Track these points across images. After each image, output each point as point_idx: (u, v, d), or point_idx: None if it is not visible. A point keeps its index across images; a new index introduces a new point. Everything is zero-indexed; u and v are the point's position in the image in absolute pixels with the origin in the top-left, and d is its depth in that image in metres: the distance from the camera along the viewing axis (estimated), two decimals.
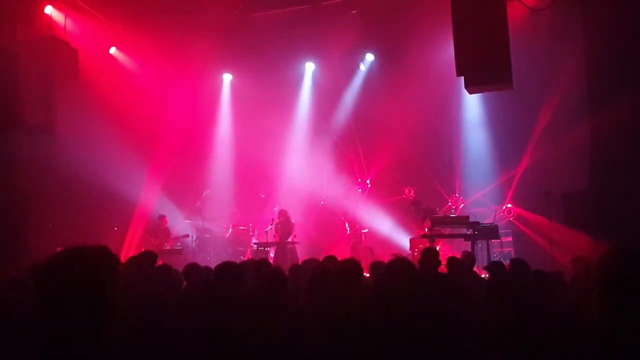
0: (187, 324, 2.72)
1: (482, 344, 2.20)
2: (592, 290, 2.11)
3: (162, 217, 11.93)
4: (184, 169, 13.05)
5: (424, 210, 10.90)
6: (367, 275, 5.29)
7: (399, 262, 3.39)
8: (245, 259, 11.14)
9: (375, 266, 5.33)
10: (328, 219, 13.28)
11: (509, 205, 11.84)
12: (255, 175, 13.43)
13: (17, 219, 9.19)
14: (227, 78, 14.22)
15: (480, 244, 9.65)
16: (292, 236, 11.52)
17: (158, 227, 11.82)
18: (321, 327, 2.41)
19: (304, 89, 13.94)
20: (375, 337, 2.24)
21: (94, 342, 1.67)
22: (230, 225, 12.81)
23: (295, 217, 12.19)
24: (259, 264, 5.14)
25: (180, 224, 12.76)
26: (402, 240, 11.60)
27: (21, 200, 9.33)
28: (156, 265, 5.15)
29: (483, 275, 7.18)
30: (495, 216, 11.19)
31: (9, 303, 2.96)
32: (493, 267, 5.65)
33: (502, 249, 10.63)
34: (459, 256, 6.62)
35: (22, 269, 5.89)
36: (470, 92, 9.20)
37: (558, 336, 2.29)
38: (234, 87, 14.23)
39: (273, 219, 11.71)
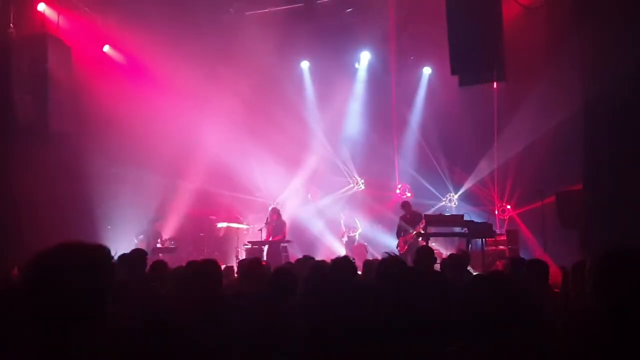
0: (177, 323, 2.71)
1: (475, 342, 2.20)
2: (585, 290, 2.11)
3: (154, 220, 11.86)
4: (179, 168, 12.95)
5: (412, 213, 10.87)
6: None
7: (390, 260, 3.39)
8: (240, 257, 11.12)
9: (368, 264, 5.29)
10: (322, 217, 13.29)
11: (504, 204, 11.88)
12: (249, 174, 13.40)
13: (11, 219, 9.12)
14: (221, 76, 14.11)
15: (475, 243, 9.66)
16: (283, 235, 11.42)
17: (150, 229, 11.75)
18: (311, 326, 2.40)
19: (299, 88, 13.89)
20: (364, 337, 2.23)
21: (85, 340, 1.64)
22: (224, 224, 12.82)
23: (289, 216, 12.16)
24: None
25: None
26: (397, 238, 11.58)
27: (14, 199, 9.26)
28: (146, 262, 5.11)
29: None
30: (489, 215, 11.23)
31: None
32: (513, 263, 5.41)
33: (497, 248, 10.63)
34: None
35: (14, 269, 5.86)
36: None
37: (551, 334, 2.29)
38: (228, 86, 14.13)
39: (267, 218, 11.65)
